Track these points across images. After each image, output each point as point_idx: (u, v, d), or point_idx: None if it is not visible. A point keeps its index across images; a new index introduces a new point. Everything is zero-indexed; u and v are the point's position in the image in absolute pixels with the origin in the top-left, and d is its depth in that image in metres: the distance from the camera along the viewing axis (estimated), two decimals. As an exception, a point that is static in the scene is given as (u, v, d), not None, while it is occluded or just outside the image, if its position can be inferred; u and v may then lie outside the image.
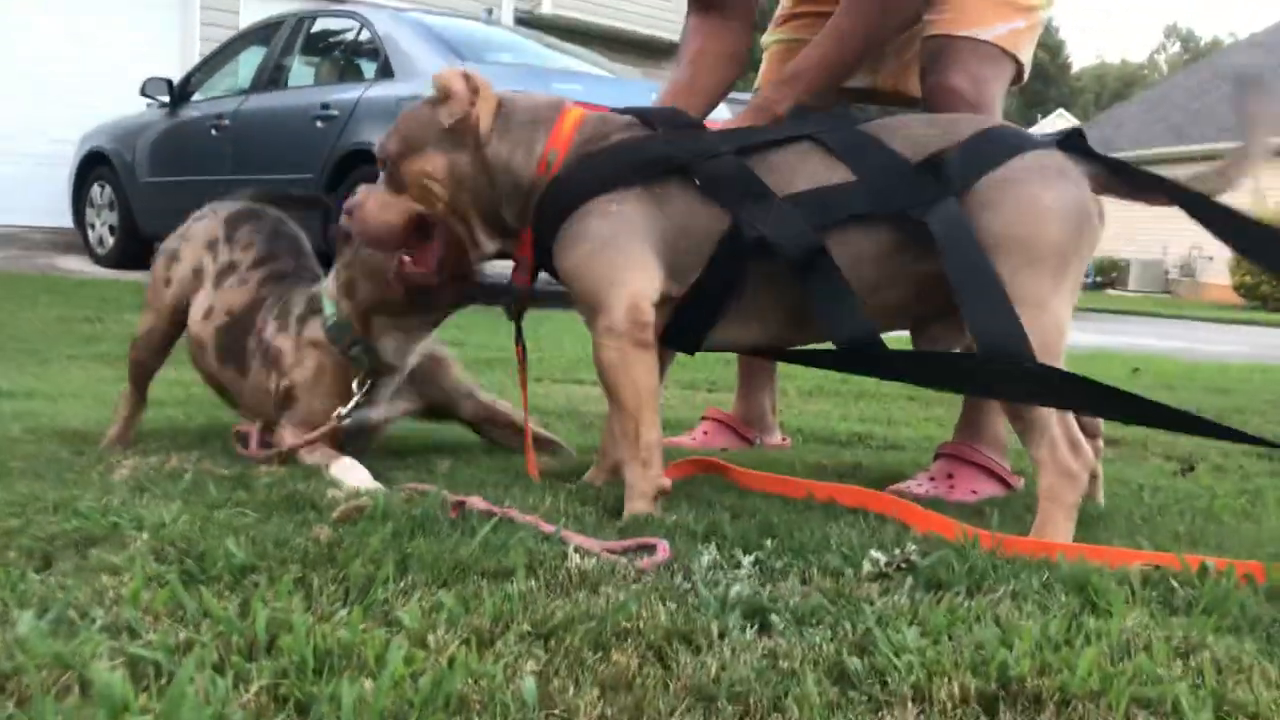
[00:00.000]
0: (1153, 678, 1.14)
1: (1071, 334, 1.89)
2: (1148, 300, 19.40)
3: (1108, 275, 22.92)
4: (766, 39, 2.67)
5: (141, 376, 2.56)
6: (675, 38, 2.69)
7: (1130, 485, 2.43)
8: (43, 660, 1.07)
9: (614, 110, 2.07)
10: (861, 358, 1.93)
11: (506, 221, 2.02)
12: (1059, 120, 35.39)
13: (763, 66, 2.67)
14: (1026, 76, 2.40)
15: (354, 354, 2.19)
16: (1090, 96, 50.72)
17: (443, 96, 1.97)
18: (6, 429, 2.58)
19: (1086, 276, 10.34)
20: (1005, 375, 1.79)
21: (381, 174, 2.05)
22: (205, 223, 2.50)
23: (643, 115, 2.04)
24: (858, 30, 2.17)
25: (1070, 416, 1.82)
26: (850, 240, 1.88)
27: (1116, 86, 52.53)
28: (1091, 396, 1.82)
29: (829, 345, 1.96)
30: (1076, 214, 1.83)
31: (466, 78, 1.98)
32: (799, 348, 2.08)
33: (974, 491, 2.28)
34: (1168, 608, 1.42)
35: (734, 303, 1.96)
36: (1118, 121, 26.89)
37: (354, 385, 2.19)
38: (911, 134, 1.91)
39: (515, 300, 2.09)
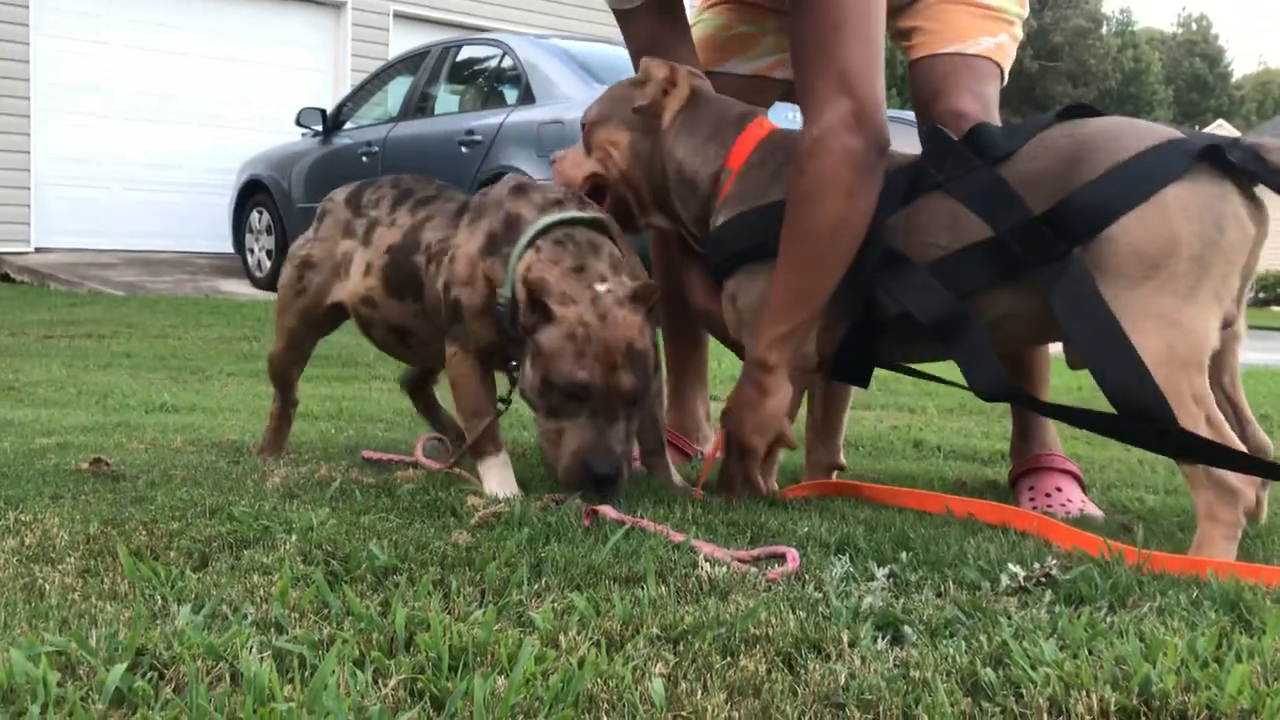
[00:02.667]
0: (1309, 698, 1.09)
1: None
2: (1317, 317, 18.40)
3: (1272, 291, 21.83)
4: (695, 21, 2.55)
5: (281, 385, 2.54)
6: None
7: (1292, 505, 2.31)
8: (197, 651, 1.13)
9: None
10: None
11: (679, 212, 2.18)
12: (1218, 132, 33.93)
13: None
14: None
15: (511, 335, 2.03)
16: (1253, 105, 48.45)
17: (642, 80, 2.13)
18: (170, 440, 2.72)
19: (1249, 291, 9.81)
20: (1146, 436, 1.77)
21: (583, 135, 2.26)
22: (331, 216, 2.42)
23: None
24: (815, 262, 1.97)
25: (1229, 430, 1.73)
26: (991, 299, 1.90)
27: (1282, 94, 50.12)
28: (1227, 460, 1.73)
29: None
30: (1208, 215, 1.73)
31: (671, 69, 2.12)
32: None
33: (1070, 500, 2.27)
34: (1328, 628, 1.35)
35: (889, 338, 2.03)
36: (1283, 131, 25.64)
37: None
38: (1046, 167, 1.85)
39: None
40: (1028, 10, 2.40)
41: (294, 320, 2.45)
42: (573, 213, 2.06)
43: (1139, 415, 1.72)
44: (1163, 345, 1.70)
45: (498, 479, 2.05)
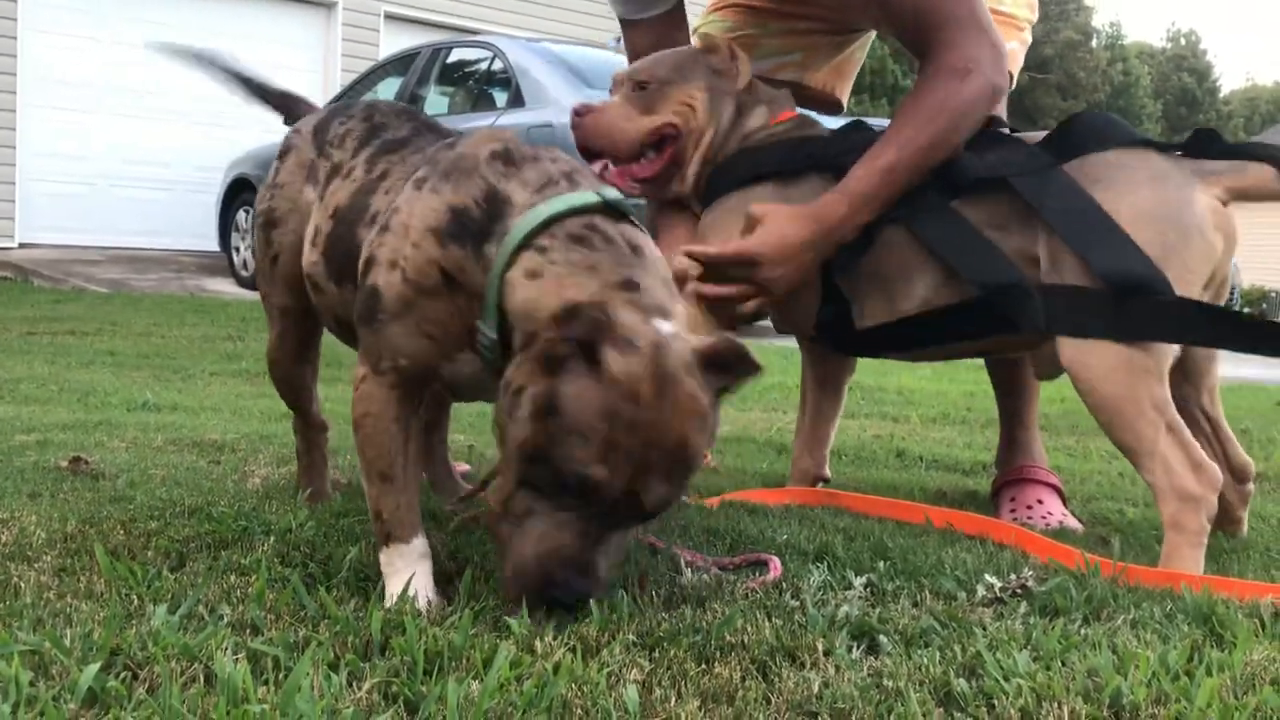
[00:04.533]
0: (1278, 712, 1.10)
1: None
2: (1300, 332, 18.50)
3: (1256, 306, 21.96)
4: (701, 24, 2.59)
5: (290, 393, 1.98)
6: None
7: (1270, 520, 2.32)
8: (172, 652, 1.13)
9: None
10: (1005, 306, 1.89)
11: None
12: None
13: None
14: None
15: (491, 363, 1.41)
16: (1240, 121, 48.71)
17: (710, 49, 2.23)
18: (150, 439, 2.71)
19: (1233, 305, 9.72)
20: (1140, 321, 1.75)
21: (624, 93, 2.25)
22: (293, 153, 1.82)
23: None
24: (923, 140, 1.98)
25: (1189, 437, 1.73)
26: (974, 206, 1.95)
27: (1270, 110, 50.36)
28: (1240, 330, 1.77)
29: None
30: (1168, 222, 1.75)
31: (729, 42, 2.24)
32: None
33: (1050, 513, 2.27)
34: (1300, 643, 1.36)
35: (870, 274, 2.04)
36: (1269, 147, 25.75)
37: None
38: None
39: None
40: (1037, 15, 2.42)
41: (279, 295, 1.85)
42: (588, 195, 1.39)
43: (1133, 287, 1.73)
44: (1121, 352, 1.72)
45: (409, 577, 1.40)
